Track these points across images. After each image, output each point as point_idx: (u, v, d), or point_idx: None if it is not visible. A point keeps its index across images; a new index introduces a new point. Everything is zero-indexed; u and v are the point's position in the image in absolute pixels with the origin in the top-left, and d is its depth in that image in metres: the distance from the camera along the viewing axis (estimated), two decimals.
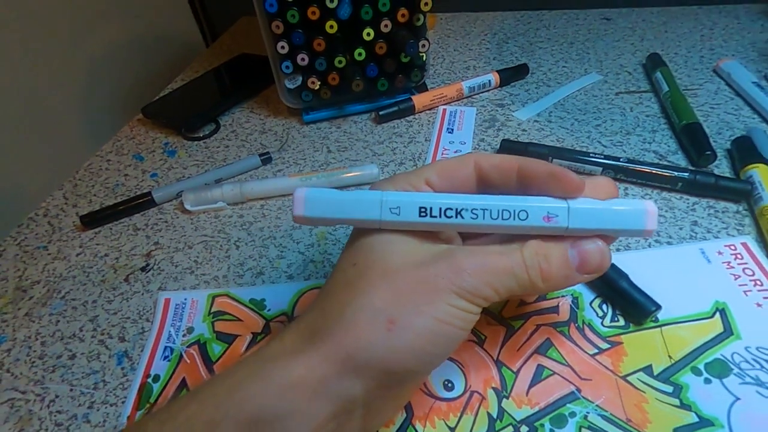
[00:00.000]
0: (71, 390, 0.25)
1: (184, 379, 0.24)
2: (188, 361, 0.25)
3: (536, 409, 0.22)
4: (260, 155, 0.39)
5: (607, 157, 0.33)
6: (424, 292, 0.18)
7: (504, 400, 0.22)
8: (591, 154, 0.34)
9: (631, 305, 0.25)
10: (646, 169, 0.32)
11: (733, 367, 0.22)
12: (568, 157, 0.34)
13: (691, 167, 0.33)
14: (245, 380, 0.17)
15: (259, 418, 0.17)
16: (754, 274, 0.26)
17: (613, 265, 0.26)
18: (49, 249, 0.34)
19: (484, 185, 0.21)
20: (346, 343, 0.18)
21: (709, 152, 0.33)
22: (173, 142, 0.43)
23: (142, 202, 0.35)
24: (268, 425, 0.17)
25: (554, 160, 0.34)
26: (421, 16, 0.39)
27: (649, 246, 0.29)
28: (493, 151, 0.38)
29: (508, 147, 0.36)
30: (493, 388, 0.23)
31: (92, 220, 0.34)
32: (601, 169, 0.33)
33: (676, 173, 0.31)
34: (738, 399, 0.21)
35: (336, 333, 0.18)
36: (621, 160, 0.33)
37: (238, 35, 0.65)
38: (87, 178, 0.40)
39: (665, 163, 0.34)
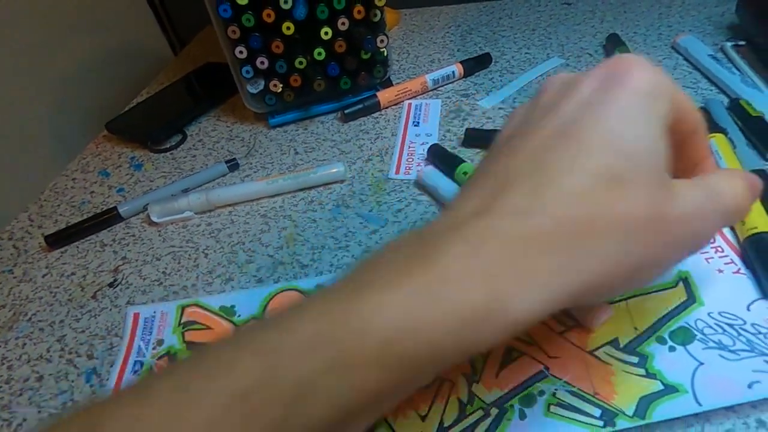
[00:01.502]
0: (39, 412, 0.24)
1: None
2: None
3: (506, 390, 0.22)
4: (227, 162, 0.38)
5: None
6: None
7: (474, 384, 0.22)
8: None
9: None
10: None
11: (696, 333, 0.22)
12: None
13: None
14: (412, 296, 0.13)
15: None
16: (715, 242, 0.26)
17: None
18: (14, 272, 0.33)
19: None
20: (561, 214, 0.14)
21: None
22: (139, 156, 0.43)
23: (107, 218, 0.35)
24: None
25: None
26: (378, 12, 0.39)
27: None
28: (458, 140, 0.38)
29: (472, 135, 0.36)
30: (464, 374, 0.23)
31: (57, 240, 0.34)
32: None
33: None
34: (702, 364, 0.21)
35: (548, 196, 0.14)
36: None
37: (205, 44, 0.64)
38: (52, 198, 0.40)
39: None
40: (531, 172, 0.15)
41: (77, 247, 0.34)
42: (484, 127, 0.39)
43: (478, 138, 0.36)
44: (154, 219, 0.34)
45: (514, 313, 0.13)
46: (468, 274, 0.13)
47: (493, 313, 0.13)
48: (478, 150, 0.36)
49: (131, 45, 0.69)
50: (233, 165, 0.38)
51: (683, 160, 0.19)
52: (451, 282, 0.13)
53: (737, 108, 0.34)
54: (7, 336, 0.28)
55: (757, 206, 0.26)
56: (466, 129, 0.37)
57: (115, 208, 0.35)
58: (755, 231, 0.25)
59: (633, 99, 0.16)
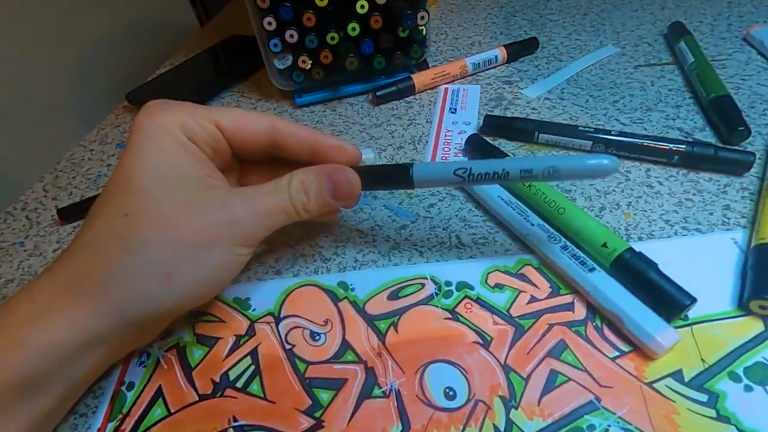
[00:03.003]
0: None
1: (160, 387, 0.22)
2: (165, 367, 0.23)
3: (549, 421, 0.19)
4: None
5: (597, 131, 0.31)
6: (203, 243, 0.19)
7: (512, 410, 0.20)
8: (579, 128, 0.31)
9: (662, 299, 0.21)
10: (639, 141, 0.29)
11: None
12: (555, 131, 0.32)
13: (687, 140, 0.31)
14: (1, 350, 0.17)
15: (27, 383, 0.17)
16: None
17: (640, 254, 0.23)
18: (25, 245, 0.32)
19: (277, 149, 0.23)
20: (119, 298, 0.18)
21: (742, 128, 0.29)
22: None
23: None
24: (37, 386, 0.18)
25: (540, 135, 0.32)
26: None
27: (675, 234, 0.26)
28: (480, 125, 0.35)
29: (491, 123, 0.34)
30: (500, 397, 0.20)
31: (70, 214, 0.32)
32: (591, 143, 0.31)
33: (671, 145, 0.29)
34: None
35: (108, 288, 0.18)
36: (612, 133, 0.30)
37: (231, 17, 0.62)
38: (68, 170, 0.38)
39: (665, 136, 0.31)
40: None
41: None
42: (529, 117, 0.35)
43: (498, 125, 0.34)
44: None
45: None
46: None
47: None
48: (521, 143, 0.33)
49: (158, 16, 0.67)
50: None
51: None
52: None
53: None
54: None
55: None
56: (486, 115, 0.34)
57: None
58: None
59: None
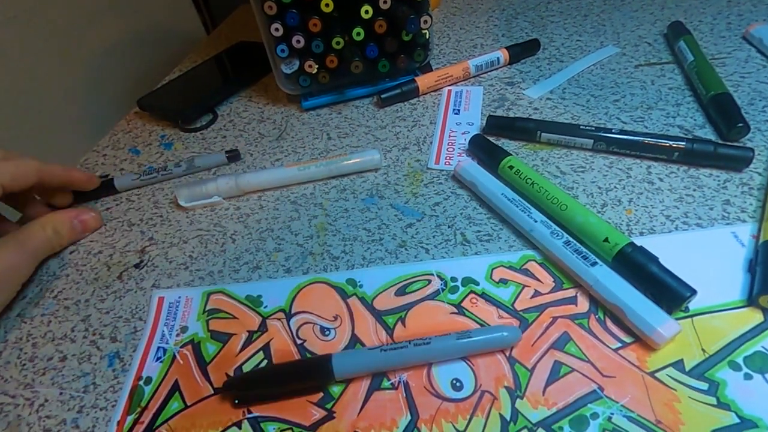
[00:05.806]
0: (61, 394, 0.24)
1: (176, 381, 0.23)
2: (181, 362, 0.24)
3: (554, 410, 0.20)
4: (227, 152, 0.37)
5: (598, 129, 0.31)
6: None
7: (518, 400, 0.20)
8: (580, 127, 0.32)
9: (663, 291, 0.22)
10: (640, 139, 0.30)
11: None
12: (556, 130, 0.32)
13: (687, 137, 0.31)
14: None
15: None
16: None
17: (641, 248, 0.23)
18: None
19: (41, 189, 0.32)
20: None
21: (741, 124, 0.30)
22: (170, 135, 0.42)
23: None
24: None
25: (543, 134, 0.33)
26: None
27: (676, 228, 0.26)
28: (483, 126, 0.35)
29: (494, 123, 0.34)
30: (506, 387, 0.21)
31: None
32: (592, 141, 0.31)
33: (672, 143, 0.29)
34: None
35: None
36: (613, 131, 0.31)
37: (237, 24, 0.63)
38: None
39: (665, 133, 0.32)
40: None
41: (105, 225, 0.33)
42: (531, 117, 0.36)
43: (500, 125, 0.34)
44: (182, 203, 0.33)
45: None
46: None
47: None
48: (524, 143, 0.34)
49: (165, 23, 0.68)
50: (234, 156, 0.36)
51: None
52: None
53: None
54: (34, 312, 0.28)
55: None
56: (488, 116, 0.35)
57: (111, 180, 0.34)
58: None
59: None
